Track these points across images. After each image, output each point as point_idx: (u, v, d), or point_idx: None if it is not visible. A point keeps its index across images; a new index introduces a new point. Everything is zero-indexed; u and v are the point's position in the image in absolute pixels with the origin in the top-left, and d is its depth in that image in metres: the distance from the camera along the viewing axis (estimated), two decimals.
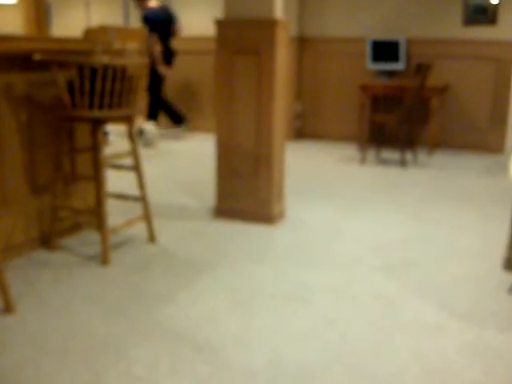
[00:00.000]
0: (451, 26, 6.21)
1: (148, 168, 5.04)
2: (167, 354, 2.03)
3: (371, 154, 6.06)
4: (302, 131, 7.11)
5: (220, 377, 1.90)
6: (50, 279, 2.66)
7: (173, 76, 6.96)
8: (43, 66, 2.88)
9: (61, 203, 3.00)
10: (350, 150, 6.31)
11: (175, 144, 6.50)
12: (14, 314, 2.31)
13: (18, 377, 1.87)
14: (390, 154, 6.06)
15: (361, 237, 3.38)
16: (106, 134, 5.97)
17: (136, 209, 3.67)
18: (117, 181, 4.31)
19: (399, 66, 6.30)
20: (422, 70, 5.34)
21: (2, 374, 1.89)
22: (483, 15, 6.07)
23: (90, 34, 2.61)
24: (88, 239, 3.20)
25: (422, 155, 6.08)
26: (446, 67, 6.31)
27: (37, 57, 2.65)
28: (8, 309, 2.32)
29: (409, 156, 5.90)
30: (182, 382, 1.87)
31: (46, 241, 3.04)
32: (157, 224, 3.45)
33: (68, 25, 8.11)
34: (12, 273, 2.71)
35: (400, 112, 5.55)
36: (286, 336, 2.18)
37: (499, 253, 3.12)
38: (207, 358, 2.02)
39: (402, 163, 5.42)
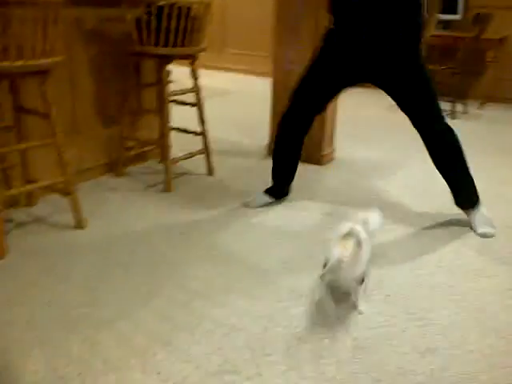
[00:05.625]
0: None
1: (207, 106, 5.07)
2: (221, 273, 2.12)
3: None
4: None
5: (268, 296, 1.97)
6: (117, 202, 2.77)
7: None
8: (114, 2, 2.90)
9: (128, 134, 3.08)
10: None
11: (232, 84, 6.48)
12: (85, 231, 2.44)
13: (87, 284, 2.00)
14: (441, 105, 5.86)
15: (407, 182, 3.35)
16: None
17: (196, 143, 3.73)
18: (179, 116, 4.36)
19: (456, 16, 5.99)
20: (479, 20, 5.07)
21: (73, 282, 2.02)
22: None
23: None
24: (151, 169, 3.30)
25: (473, 108, 5.87)
26: (506, 18, 5.96)
27: None
28: (79, 225, 2.45)
29: (459, 108, 5.70)
30: (235, 299, 1.95)
31: (113, 168, 3.15)
32: (214, 159, 3.50)
33: None
34: (82, 194, 2.83)
35: (454, 63, 5.33)
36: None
37: None
38: (258, 279, 2.09)
39: (452, 114, 5.25)
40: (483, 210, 2.63)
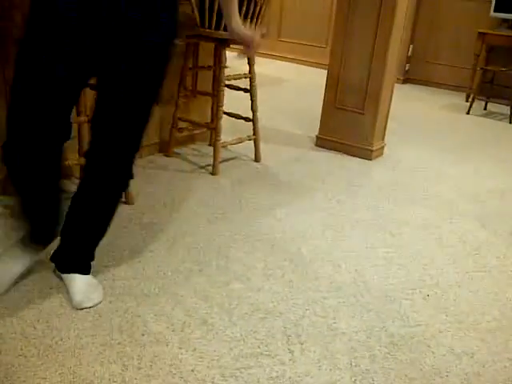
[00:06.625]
0: None
1: (260, 93, 5.08)
2: (262, 258, 2.14)
3: (479, 105, 5.68)
4: (410, 75, 6.78)
5: (307, 285, 1.98)
6: (165, 180, 2.82)
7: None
8: None
9: (181, 115, 3.12)
10: (457, 99, 5.96)
11: (285, 73, 6.45)
12: (133, 207, 2.50)
13: (131, 257, 2.05)
14: (498, 108, 5.67)
15: (457, 183, 3.27)
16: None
17: (245, 129, 3.75)
18: (231, 101, 4.39)
19: None
20: None
21: (117, 254, 2.08)
22: None
23: None
24: (200, 151, 3.34)
25: None
26: None
27: None
28: (128, 201, 2.51)
29: None
30: (273, 284, 1.97)
31: (164, 147, 3.21)
32: (263, 146, 3.50)
33: None
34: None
35: None
36: (371, 261, 2.21)
37: None
38: (298, 267, 2.10)
39: (511, 118, 5.07)
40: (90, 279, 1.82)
